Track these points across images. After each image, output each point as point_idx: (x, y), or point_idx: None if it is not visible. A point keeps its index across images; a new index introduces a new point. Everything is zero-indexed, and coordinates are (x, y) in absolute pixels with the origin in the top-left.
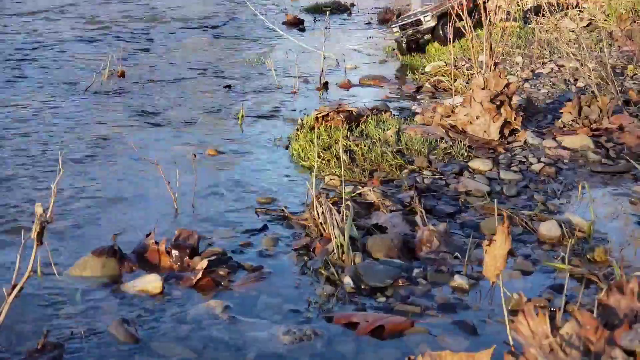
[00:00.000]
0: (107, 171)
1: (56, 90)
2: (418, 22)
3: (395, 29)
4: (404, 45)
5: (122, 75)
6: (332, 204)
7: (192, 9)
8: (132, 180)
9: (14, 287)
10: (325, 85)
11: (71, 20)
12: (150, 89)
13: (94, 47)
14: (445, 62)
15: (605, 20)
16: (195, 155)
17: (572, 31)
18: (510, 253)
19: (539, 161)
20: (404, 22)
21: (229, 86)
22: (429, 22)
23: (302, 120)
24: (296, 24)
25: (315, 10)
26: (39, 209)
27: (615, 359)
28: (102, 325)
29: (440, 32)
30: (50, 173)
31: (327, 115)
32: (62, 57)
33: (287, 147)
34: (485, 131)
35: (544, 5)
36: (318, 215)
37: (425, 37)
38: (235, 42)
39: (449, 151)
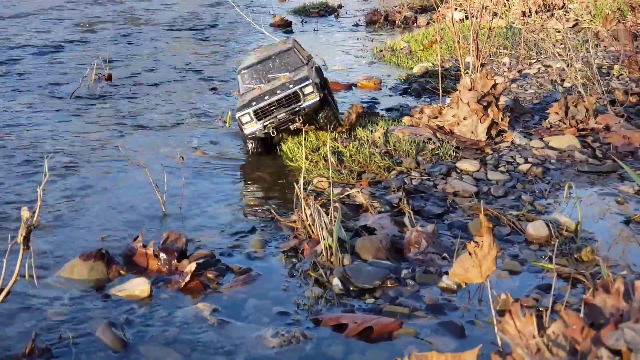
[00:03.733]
0: (94, 174)
1: (42, 95)
2: (292, 98)
3: (245, 117)
4: (256, 143)
5: (109, 78)
6: (320, 205)
7: (178, 11)
8: (119, 183)
9: (1, 291)
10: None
11: (56, 24)
12: (137, 91)
13: (80, 50)
14: (433, 64)
15: (591, 20)
16: (182, 157)
17: (559, 32)
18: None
19: (526, 161)
20: (265, 103)
21: (215, 89)
22: (311, 94)
23: None
24: (283, 25)
25: (303, 12)
26: (25, 214)
27: (600, 359)
28: (90, 329)
29: (328, 113)
30: (36, 177)
31: None
32: (47, 60)
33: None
34: (472, 132)
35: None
36: (306, 217)
37: (297, 123)
38: (221, 45)
39: (437, 152)
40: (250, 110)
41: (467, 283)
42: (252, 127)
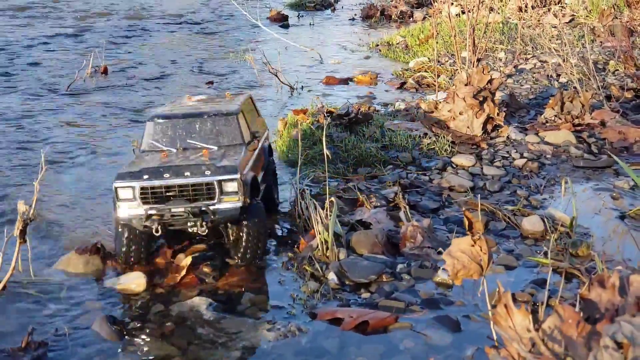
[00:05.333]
0: (90, 168)
1: (38, 88)
2: (203, 191)
3: (124, 191)
4: (131, 239)
5: (105, 71)
6: (316, 200)
7: (174, 4)
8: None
9: None
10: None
11: (52, 17)
12: (133, 85)
13: (76, 43)
14: (429, 58)
15: (588, 16)
16: None
17: (555, 27)
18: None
19: (522, 156)
20: (161, 182)
21: (211, 82)
22: (232, 196)
23: (285, 118)
24: (280, 19)
25: (299, 6)
26: (21, 207)
27: (607, 348)
28: (86, 322)
29: (250, 235)
30: (32, 171)
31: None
32: (43, 54)
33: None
34: (468, 127)
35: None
36: (302, 212)
37: (198, 229)
38: (217, 38)
39: (433, 147)
40: (137, 185)
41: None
42: (131, 210)
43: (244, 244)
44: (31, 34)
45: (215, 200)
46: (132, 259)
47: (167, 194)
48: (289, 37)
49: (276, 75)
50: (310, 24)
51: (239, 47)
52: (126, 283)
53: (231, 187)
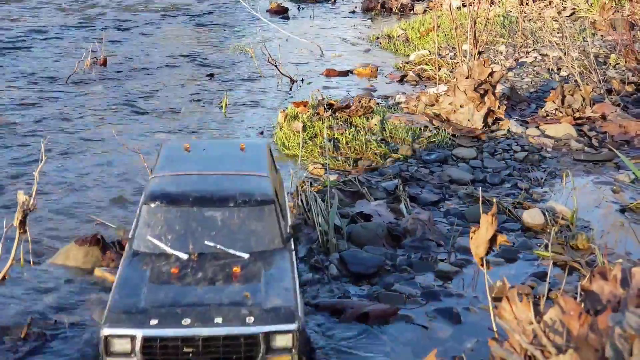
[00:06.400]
0: (89, 159)
1: (37, 80)
2: (241, 347)
3: (120, 342)
4: None
5: (105, 63)
6: (316, 192)
7: None
8: (114, 169)
9: None
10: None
11: (50, 8)
12: (133, 77)
13: (75, 34)
14: (429, 51)
15: (589, 9)
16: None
17: (556, 20)
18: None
19: (523, 149)
20: (180, 333)
21: (211, 75)
22: (282, 355)
23: (285, 110)
24: (280, 12)
25: None
26: (21, 197)
27: (614, 337)
28: (85, 313)
29: None
30: (32, 161)
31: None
32: (42, 45)
33: (271, 135)
34: (469, 120)
35: None
36: (302, 203)
37: None
38: (217, 31)
39: (433, 140)
40: (140, 334)
41: (463, 270)
42: None
43: None
44: (27, 25)
45: None
46: None
47: (185, 349)
48: (289, 29)
49: (276, 67)
50: (310, 17)
51: (239, 39)
52: None
53: (283, 341)
